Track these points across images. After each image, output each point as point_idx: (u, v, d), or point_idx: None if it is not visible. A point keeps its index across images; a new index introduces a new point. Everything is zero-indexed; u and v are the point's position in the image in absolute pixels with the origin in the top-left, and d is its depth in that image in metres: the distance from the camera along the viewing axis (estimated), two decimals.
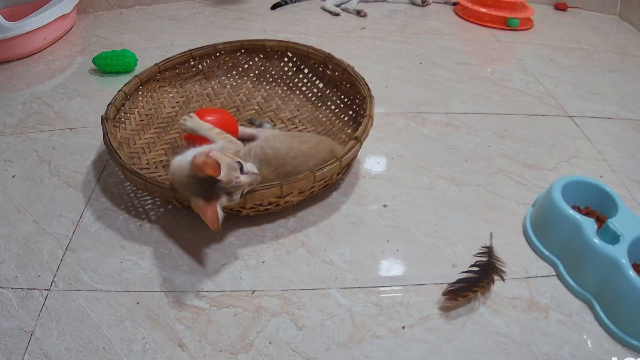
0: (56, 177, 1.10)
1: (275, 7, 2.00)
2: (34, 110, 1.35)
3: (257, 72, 1.32)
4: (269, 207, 0.92)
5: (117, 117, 1.10)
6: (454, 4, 2.03)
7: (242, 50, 1.31)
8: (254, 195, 0.84)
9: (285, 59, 1.30)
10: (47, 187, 1.07)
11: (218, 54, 1.29)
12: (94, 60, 1.51)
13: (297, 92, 1.27)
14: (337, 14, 1.93)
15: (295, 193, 0.91)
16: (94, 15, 2.00)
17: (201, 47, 1.28)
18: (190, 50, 1.26)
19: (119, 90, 1.12)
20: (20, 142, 1.22)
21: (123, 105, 1.12)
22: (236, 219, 0.96)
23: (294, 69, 1.29)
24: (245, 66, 1.32)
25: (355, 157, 1.02)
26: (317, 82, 1.26)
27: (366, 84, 1.09)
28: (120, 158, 0.94)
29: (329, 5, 1.96)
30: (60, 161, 1.14)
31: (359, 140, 0.94)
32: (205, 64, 1.30)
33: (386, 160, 1.13)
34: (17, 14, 1.69)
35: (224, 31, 1.80)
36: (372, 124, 0.99)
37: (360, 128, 0.97)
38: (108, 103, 1.09)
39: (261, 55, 1.31)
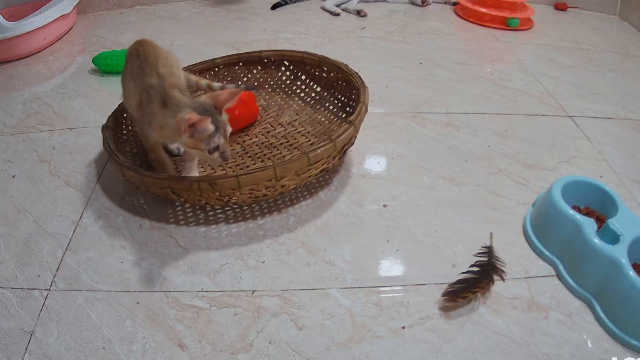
0: (56, 177, 1.10)
1: (275, 7, 2.00)
2: (34, 110, 1.35)
3: (256, 83, 1.33)
4: (266, 192, 0.92)
5: (118, 128, 1.10)
6: (454, 4, 2.03)
7: (240, 63, 1.32)
8: (247, 178, 0.86)
9: (283, 68, 1.31)
10: (47, 187, 1.07)
11: (217, 69, 1.30)
12: (94, 60, 1.51)
13: (296, 97, 1.28)
14: (337, 14, 1.93)
15: (291, 176, 0.91)
16: (94, 15, 2.00)
17: (200, 62, 1.28)
18: (189, 65, 1.26)
19: (120, 103, 1.11)
20: (20, 142, 1.22)
21: (124, 117, 1.13)
22: (234, 211, 0.97)
23: (292, 77, 1.31)
24: (245, 79, 1.32)
25: (351, 143, 1.02)
26: (315, 86, 1.27)
27: (360, 78, 1.11)
28: (119, 157, 0.94)
29: (329, 5, 1.96)
30: (60, 161, 1.15)
31: (352, 124, 0.95)
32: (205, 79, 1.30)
33: (386, 160, 1.13)
34: (17, 14, 1.70)
35: (224, 31, 1.80)
36: (366, 111, 1.01)
37: (354, 113, 0.98)
38: (109, 115, 1.09)
39: (259, 67, 1.32)
